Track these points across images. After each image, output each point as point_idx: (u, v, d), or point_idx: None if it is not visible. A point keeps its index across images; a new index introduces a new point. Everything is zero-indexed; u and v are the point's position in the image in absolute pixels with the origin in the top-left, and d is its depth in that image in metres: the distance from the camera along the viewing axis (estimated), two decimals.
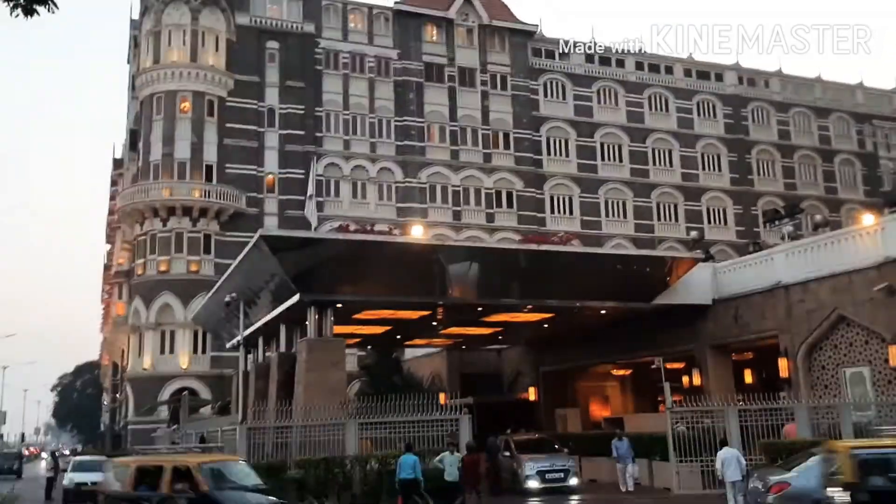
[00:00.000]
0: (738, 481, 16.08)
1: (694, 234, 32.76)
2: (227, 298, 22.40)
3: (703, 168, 60.03)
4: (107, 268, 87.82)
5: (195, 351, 45.55)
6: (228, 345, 34.13)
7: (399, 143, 52.93)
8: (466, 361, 39.61)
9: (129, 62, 57.92)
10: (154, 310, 45.09)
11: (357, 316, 25.36)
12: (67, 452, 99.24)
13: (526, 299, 24.75)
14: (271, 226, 48.77)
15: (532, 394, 36.89)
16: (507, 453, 21.61)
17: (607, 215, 56.73)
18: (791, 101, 63.53)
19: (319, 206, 49.52)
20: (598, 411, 36.31)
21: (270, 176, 49.74)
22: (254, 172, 49.02)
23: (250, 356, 33.36)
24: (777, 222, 28.02)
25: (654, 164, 58.69)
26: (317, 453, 20.49)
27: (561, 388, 36.75)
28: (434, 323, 27.89)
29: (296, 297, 21.95)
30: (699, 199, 59.24)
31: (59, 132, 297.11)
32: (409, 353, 43.80)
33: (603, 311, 26.35)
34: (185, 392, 35.13)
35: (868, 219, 22.52)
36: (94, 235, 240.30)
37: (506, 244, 28.06)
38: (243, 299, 23.03)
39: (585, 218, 55.89)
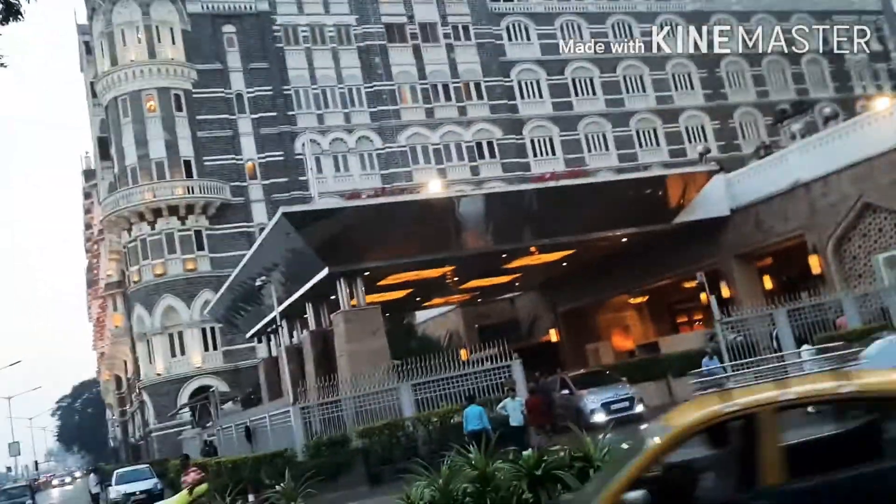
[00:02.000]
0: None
1: (700, 147, 32.68)
2: (258, 283, 21.93)
3: (676, 89, 59.87)
4: (91, 283, 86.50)
5: (206, 348, 45.01)
6: (249, 334, 33.69)
7: (372, 109, 52.14)
8: (481, 315, 39.54)
9: (82, 70, 56.23)
10: (157, 314, 44.40)
11: (381, 282, 25.06)
12: (78, 474, 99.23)
13: (545, 238, 24.54)
14: (260, 213, 48.15)
15: (553, 335, 36.97)
16: (566, 391, 21.56)
17: (589, 150, 56.51)
18: (751, 8, 63.34)
19: (303, 185, 48.99)
20: (621, 342, 36.46)
21: (250, 163, 48.85)
22: (233, 161, 48.10)
23: (272, 343, 33.04)
24: (786, 122, 28.00)
25: (628, 91, 58.43)
26: (370, 422, 20.40)
27: (581, 326, 36.86)
28: (455, 278, 27.66)
29: (324, 271, 21.59)
30: (677, 120, 59.18)
31: (19, 155, 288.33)
32: (420, 317, 43.65)
33: (624, 239, 26.24)
34: (213, 389, 34.74)
35: (882, 102, 22.49)
36: (70, 253, 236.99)
37: (522, 186, 27.77)
38: (264, 283, 22.55)
39: (568, 156, 55.59)
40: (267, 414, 23.26)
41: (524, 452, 16.62)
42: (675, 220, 25.73)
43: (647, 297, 36.38)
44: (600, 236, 25.33)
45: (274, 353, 31.97)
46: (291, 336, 28.78)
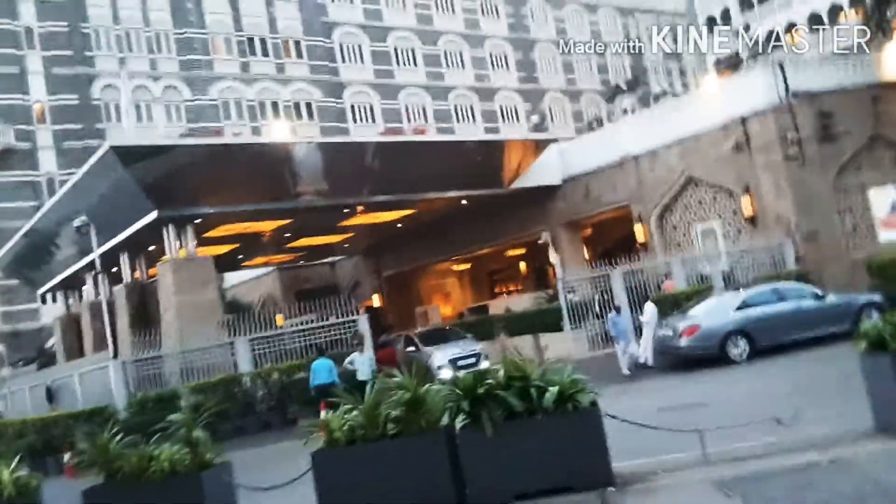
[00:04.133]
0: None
1: (534, 118, 33.39)
2: (77, 223, 19.34)
3: (494, 68, 61.27)
4: None
5: None
6: (42, 290, 30.13)
7: (182, 57, 48.65)
8: (299, 279, 38.25)
9: None
10: None
11: (208, 234, 23.26)
12: None
13: (387, 195, 24.01)
14: (48, 161, 43.61)
15: (377, 300, 36.54)
16: (412, 348, 21.17)
17: (409, 120, 56.34)
18: None
19: (101, 134, 44.88)
20: (442, 309, 36.79)
21: (39, 104, 43.85)
22: (19, 101, 42.95)
23: (70, 300, 29.84)
24: (617, 97, 29.29)
25: (448, 66, 58.95)
26: (199, 379, 19.02)
27: (404, 291, 36.77)
28: (288, 234, 26.37)
29: (152, 215, 19.60)
30: (492, 99, 60.63)
31: None
32: (230, 279, 41.53)
33: (463, 202, 26.24)
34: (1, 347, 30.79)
35: (710, 82, 24.06)
36: None
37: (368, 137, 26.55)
38: (84, 224, 20.02)
39: (388, 124, 55.05)
40: (76, 372, 20.85)
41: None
42: (511, 186, 26.08)
43: (469, 265, 36.95)
44: (440, 196, 25.12)
45: (73, 311, 28.88)
46: (96, 291, 26.05)
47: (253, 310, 35.72)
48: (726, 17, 49.27)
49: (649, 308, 17.62)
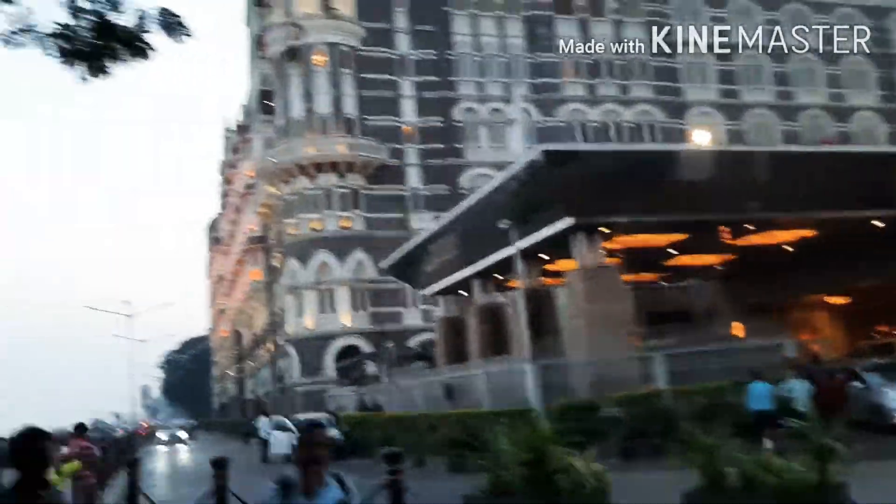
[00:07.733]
0: None
1: None
2: (502, 224, 20.33)
3: (850, 87, 56.05)
4: (215, 240, 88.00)
5: (354, 309, 44.35)
6: (430, 291, 32.42)
7: (533, 81, 50.49)
8: (652, 301, 37.28)
9: (248, 23, 56.45)
10: (312, 268, 43.97)
11: (605, 244, 23.22)
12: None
13: (801, 211, 22.35)
14: (413, 178, 47.33)
15: (738, 330, 34.43)
16: (860, 384, 19.17)
17: (753, 143, 53.39)
18: None
19: (459, 153, 47.81)
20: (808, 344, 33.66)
21: (408, 126, 47.92)
22: (392, 123, 47.29)
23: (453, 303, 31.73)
24: None
25: (799, 84, 54.98)
26: (611, 391, 18.81)
27: (765, 323, 34.15)
28: (675, 251, 25.66)
29: (568, 220, 19.95)
30: (849, 120, 55.44)
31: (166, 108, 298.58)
32: None
33: (875, 222, 23.66)
34: (391, 344, 33.79)
35: None
36: (186, 214, 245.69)
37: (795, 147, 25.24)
38: (509, 226, 20.80)
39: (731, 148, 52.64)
40: (484, 371, 21.82)
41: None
42: None
43: (848, 300, 33.47)
44: (858, 215, 22.82)
45: (452, 314, 30.67)
46: (485, 295, 27.37)
47: None
48: None
49: None
